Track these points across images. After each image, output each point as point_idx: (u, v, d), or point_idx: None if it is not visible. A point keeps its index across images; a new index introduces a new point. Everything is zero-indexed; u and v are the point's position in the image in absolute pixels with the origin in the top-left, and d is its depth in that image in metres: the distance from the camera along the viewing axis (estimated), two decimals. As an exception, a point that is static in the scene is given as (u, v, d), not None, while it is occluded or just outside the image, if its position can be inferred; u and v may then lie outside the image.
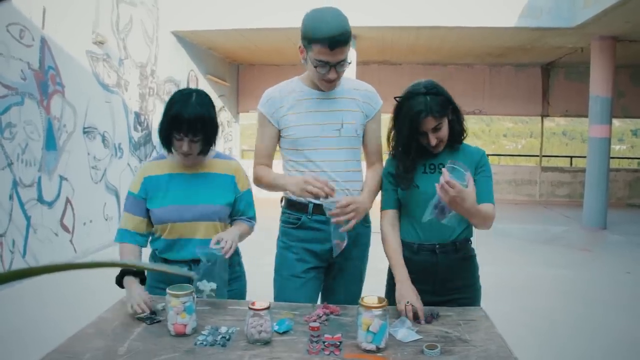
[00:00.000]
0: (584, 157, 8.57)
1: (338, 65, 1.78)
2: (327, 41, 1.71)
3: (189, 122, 1.68)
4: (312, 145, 1.88)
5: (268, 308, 1.43)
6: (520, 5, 7.00)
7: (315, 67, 1.78)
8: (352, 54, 8.00)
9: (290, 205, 1.96)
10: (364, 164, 2.04)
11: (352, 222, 1.74)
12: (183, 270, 0.48)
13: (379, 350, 1.38)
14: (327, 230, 1.88)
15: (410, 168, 1.79)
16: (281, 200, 2.02)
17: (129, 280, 1.68)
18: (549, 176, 11.10)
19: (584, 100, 8.36)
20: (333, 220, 1.73)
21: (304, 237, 1.93)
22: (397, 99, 1.79)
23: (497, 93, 10.89)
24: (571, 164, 12.61)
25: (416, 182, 1.80)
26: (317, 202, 1.90)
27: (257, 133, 1.99)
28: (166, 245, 1.83)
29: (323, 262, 1.96)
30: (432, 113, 1.68)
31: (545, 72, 10.78)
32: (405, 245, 1.85)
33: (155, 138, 7.35)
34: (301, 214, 1.93)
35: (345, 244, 1.76)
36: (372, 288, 2.00)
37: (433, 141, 1.72)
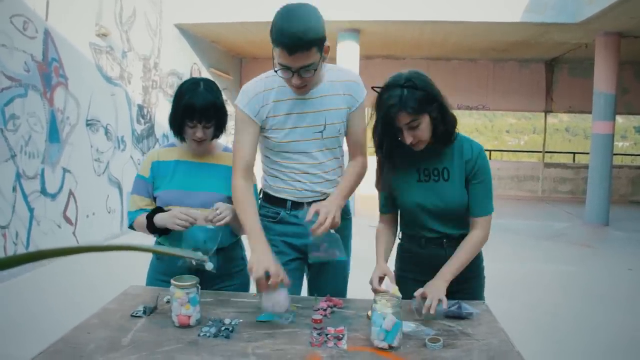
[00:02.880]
0: (587, 153, 8.55)
1: (302, 71, 1.63)
2: (286, 45, 1.56)
3: (201, 109, 1.73)
4: (294, 149, 1.81)
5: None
6: (524, 0, 6.97)
7: (276, 71, 1.66)
8: (355, 48, 8.00)
9: (268, 199, 1.92)
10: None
11: (328, 223, 1.65)
12: (197, 254, 0.48)
13: (391, 348, 1.36)
14: (305, 224, 1.80)
15: (389, 168, 1.73)
16: (259, 192, 1.98)
17: (159, 218, 1.74)
18: (552, 172, 11.09)
19: (587, 97, 8.33)
20: (317, 231, 1.65)
21: (283, 231, 1.90)
22: (376, 89, 1.68)
23: (501, 88, 10.86)
24: (574, 160, 12.60)
25: (411, 192, 1.73)
26: (294, 199, 1.87)
27: (236, 134, 1.80)
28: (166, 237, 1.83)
29: (302, 253, 1.92)
30: (406, 108, 1.56)
31: (549, 68, 10.75)
32: (412, 239, 1.83)
33: (159, 131, 7.37)
34: (280, 209, 1.89)
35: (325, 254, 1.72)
36: (364, 280, 1.99)
37: (408, 139, 1.61)
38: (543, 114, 11.13)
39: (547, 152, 11.78)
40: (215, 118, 1.78)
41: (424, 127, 1.61)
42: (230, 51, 10.40)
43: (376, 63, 10.51)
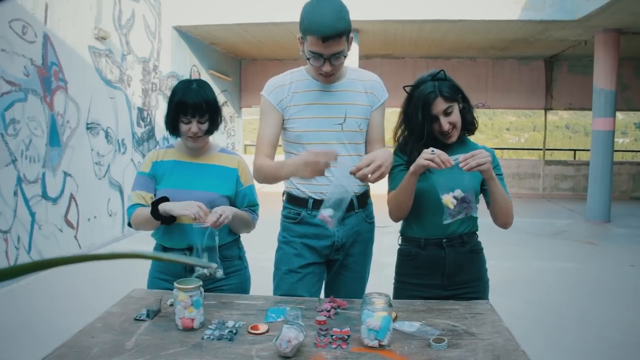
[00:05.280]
0: (588, 150, 8.54)
1: (333, 58, 1.72)
2: (320, 33, 1.66)
3: (194, 105, 1.79)
4: (313, 139, 1.83)
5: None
6: (523, -2, 6.98)
7: (309, 59, 1.75)
8: (354, 48, 8.00)
9: (291, 199, 1.94)
10: None
11: (375, 174, 1.63)
12: (202, 261, 0.48)
13: (381, 346, 1.36)
14: (325, 226, 1.78)
15: (404, 169, 1.78)
16: (283, 194, 2.00)
17: (164, 205, 1.76)
18: (553, 170, 11.07)
19: (587, 93, 8.33)
20: (357, 175, 1.62)
21: (303, 232, 1.91)
22: (407, 88, 1.81)
23: (501, 86, 10.86)
24: (575, 157, 12.59)
25: (428, 179, 1.73)
26: (317, 197, 1.86)
27: (260, 122, 1.92)
28: (164, 230, 1.86)
29: (322, 257, 1.93)
30: (442, 94, 1.71)
31: (548, 65, 10.74)
32: (412, 241, 1.84)
33: (159, 133, 7.36)
34: (301, 209, 1.90)
35: (333, 222, 1.62)
36: (377, 282, 2.00)
37: (445, 125, 1.71)
38: (543, 111, 11.13)
39: (547, 149, 11.78)
40: (209, 113, 1.83)
41: (457, 114, 1.74)
42: (230, 53, 10.41)
43: (375, 63, 10.50)
